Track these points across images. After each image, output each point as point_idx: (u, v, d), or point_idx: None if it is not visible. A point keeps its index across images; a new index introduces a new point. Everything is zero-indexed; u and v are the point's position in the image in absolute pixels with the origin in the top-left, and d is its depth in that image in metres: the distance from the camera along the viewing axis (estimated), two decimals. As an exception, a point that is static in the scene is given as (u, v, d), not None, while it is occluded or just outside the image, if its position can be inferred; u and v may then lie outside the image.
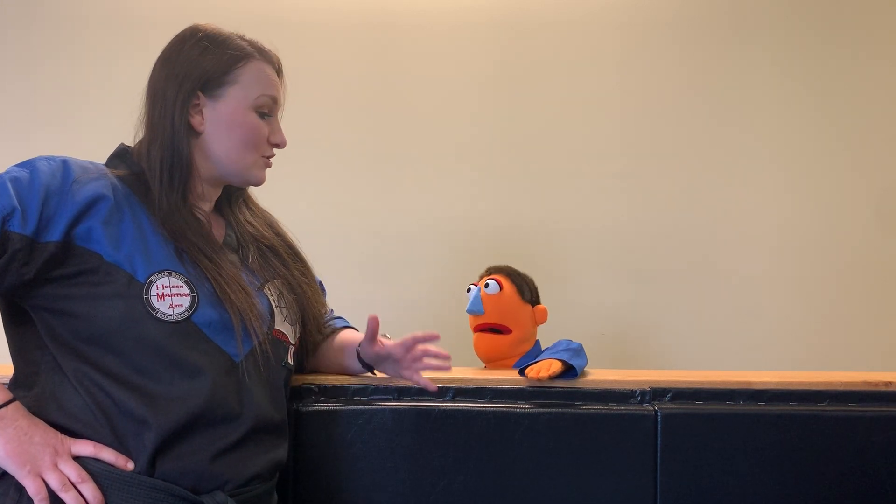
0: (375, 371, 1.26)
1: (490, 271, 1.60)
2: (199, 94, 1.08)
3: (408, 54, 2.17)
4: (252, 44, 1.13)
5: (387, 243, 2.14)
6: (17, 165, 1.00)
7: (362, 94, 2.16)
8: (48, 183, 0.98)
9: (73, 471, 0.95)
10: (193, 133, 1.09)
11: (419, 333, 1.14)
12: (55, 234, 0.97)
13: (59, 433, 0.97)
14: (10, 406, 0.95)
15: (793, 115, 2.14)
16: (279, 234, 1.24)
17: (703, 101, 2.16)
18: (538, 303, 1.59)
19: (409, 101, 2.17)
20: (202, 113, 1.09)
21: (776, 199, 2.14)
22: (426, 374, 1.19)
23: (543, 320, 1.58)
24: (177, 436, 0.99)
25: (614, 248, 2.13)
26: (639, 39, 2.16)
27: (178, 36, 1.12)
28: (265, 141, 1.13)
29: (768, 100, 2.15)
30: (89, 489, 0.95)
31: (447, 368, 1.17)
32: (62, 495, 0.94)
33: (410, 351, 1.16)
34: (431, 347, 1.16)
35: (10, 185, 0.96)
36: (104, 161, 1.11)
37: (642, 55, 2.16)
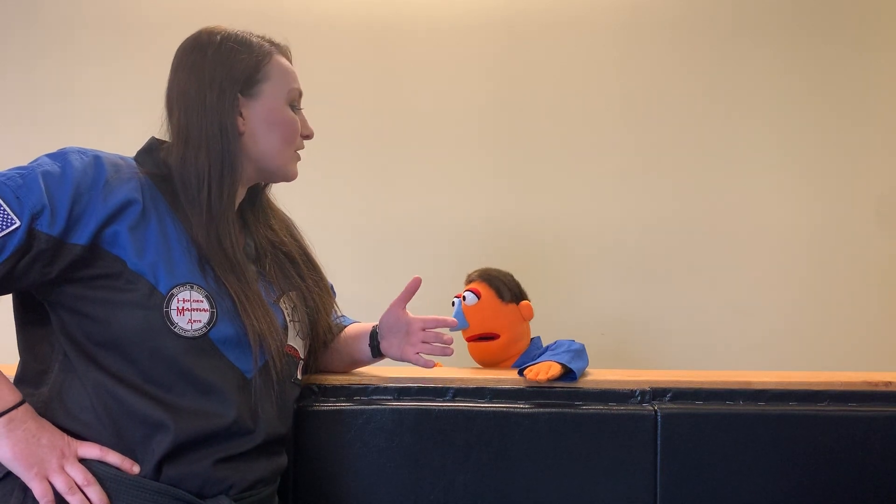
0: (381, 348, 1.27)
1: (469, 278, 1.58)
2: (238, 95, 1.07)
3: (408, 55, 2.17)
4: (265, 39, 1.13)
5: (387, 243, 2.14)
6: (49, 157, 0.98)
7: (362, 95, 2.16)
8: (79, 181, 0.96)
9: (79, 473, 0.95)
10: (238, 135, 1.07)
11: (444, 317, 1.21)
12: (83, 238, 0.95)
13: (66, 435, 0.97)
14: (21, 408, 0.95)
15: (794, 115, 2.14)
16: (296, 240, 1.24)
17: (702, 101, 2.16)
18: (523, 299, 1.57)
19: (409, 102, 2.17)
20: (242, 114, 1.07)
21: (777, 199, 2.14)
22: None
23: (530, 315, 1.56)
24: (190, 444, 0.99)
25: (614, 248, 2.13)
26: (639, 39, 2.17)
27: (193, 42, 1.09)
28: (297, 134, 1.13)
29: (769, 100, 2.15)
30: (95, 492, 0.95)
31: (448, 353, 1.21)
32: (68, 498, 0.94)
33: (425, 329, 1.20)
34: (443, 333, 1.20)
35: (41, 180, 0.94)
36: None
37: (642, 55, 2.17)
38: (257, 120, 1.08)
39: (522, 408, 1.26)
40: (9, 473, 0.96)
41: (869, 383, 1.31)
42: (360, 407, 1.25)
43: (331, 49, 2.15)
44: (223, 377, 1.01)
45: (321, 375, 1.29)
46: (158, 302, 0.97)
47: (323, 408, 1.25)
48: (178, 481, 0.98)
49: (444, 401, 1.27)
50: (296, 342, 1.14)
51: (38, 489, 0.93)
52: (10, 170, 0.96)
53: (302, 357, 1.16)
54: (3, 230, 0.91)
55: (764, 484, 1.25)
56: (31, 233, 0.92)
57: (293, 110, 1.13)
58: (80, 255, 0.95)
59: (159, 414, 0.97)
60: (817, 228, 2.13)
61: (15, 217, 0.92)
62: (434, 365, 1.21)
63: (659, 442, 1.25)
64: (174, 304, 0.98)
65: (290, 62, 1.15)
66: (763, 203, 2.13)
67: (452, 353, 1.20)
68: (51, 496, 0.94)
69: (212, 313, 1.00)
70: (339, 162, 2.12)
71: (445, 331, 1.23)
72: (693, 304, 2.12)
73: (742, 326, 2.11)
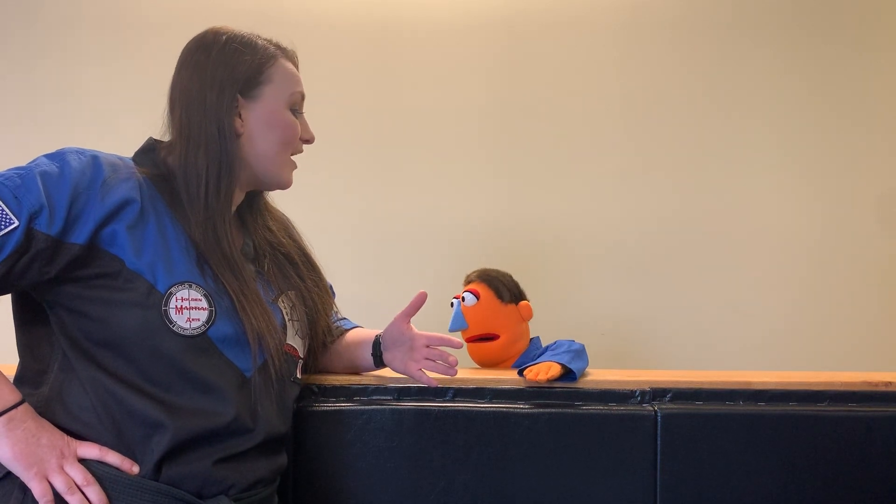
0: (384, 359, 1.25)
1: (468, 279, 1.58)
2: (238, 96, 1.07)
3: (409, 55, 2.17)
4: (272, 42, 1.13)
5: (388, 243, 2.14)
6: (47, 157, 0.98)
7: (363, 95, 2.16)
8: (77, 181, 0.96)
9: (78, 473, 0.95)
10: (235, 136, 1.07)
11: (448, 336, 1.18)
12: (81, 237, 0.95)
13: (65, 435, 0.97)
14: (20, 407, 0.95)
15: (794, 115, 2.14)
16: (295, 241, 1.24)
17: (703, 101, 2.16)
18: (522, 299, 1.57)
19: (409, 102, 2.17)
20: (241, 115, 1.08)
21: (776, 199, 2.14)
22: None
23: (529, 316, 1.56)
24: (189, 443, 0.99)
25: (614, 248, 2.13)
26: (639, 39, 2.16)
27: (199, 41, 1.10)
28: (298, 138, 1.13)
29: (769, 100, 2.15)
30: (94, 492, 0.95)
31: (452, 374, 1.18)
32: (67, 498, 0.94)
33: (429, 346, 1.17)
34: (448, 353, 1.17)
35: (39, 180, 0.94)
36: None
37: (643, 55, 2.16)
38: (257, 122, 1.08)
39: (522, 408, 1.26)
40: (8, 473, 0.96)
41: (869, 383, 1.31)
42: (360, 407, 1.25)
43: (331, 49, 2.15)
44: (222, 376, 1.01)
45: (321, 375, 1.29)
46: (157, 301, 0.97)
47: (323, 408, 1.25)
48: (177, 481, 0.98)
49: (444, 401, 1.27)
50: (295, 341, 1.14)
51: (37, 489, 0.93)
52: (8, 170, 0.96)
53: (301, 356, 1.16)
54: (1, 230, 0.91)
55: (764, 484, 1.25)
56: (29, 233, 0.92)
57: (294, 114, 1.13)
58: (78, 254, 0.95)
59: (157, 414, 0.97)
60: (817, 228, 2.12)
61: (13, 217, 0.92)
62: (436, 384, 1.19)
63: (659, 442, 1.25)
64: (172, 303, 0.98)
65: (297, 66, 1.15)
66: (763, 203, 2.13)
67: (456, 373, 1.18)
68: (50, 496, 0.94)
69: (210, 312, 1.00)
70: (338, 162, 2.12)
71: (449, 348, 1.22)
72: (693, 304, 2.12)
73: (742, 326, 2.11)
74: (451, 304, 1.55)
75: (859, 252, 2.11)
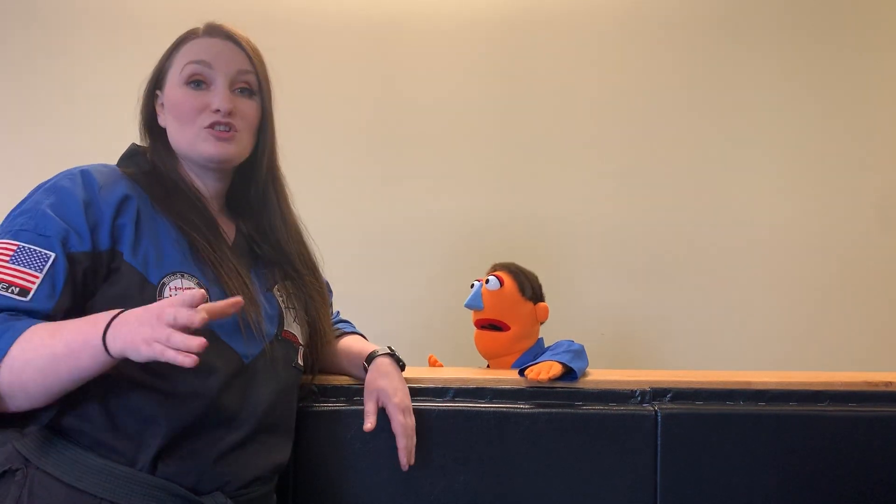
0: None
1: (494, 268, 1.60)
2: (156, 91, 1.12)
3: (408, 54, 2.17)
4: (203, 24, 1.13)
5: (388, 242, 2.14)
6: (42, 193, 1.00)
7: (363, 93, 2.16)
8: (80, 196, 1.00)
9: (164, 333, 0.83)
10: (162, 129, 1.12)
11: (408, 452, 1.17)
12: (105, 243, 0.99)
13: (150, 308, 0.86)
14: (120, 316, 0.88)
15: (793, 115, 2.15)
16: (290, 235, 1.24)
17: (703, 100, 2.16)
18: (541, 300, 1.58)
19: (408, 102, 2.17)
20: (164, 105, 1.12)
21: (777, 199, 2.14)
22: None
23: (545, 318, 1.57)
24: (183, 435, 0.99)
25: (614, 248, 2.13)
26: (639, 38, 2.17)
27: None
28: (197, 111, 1.08)
29: (768, 99, 2.15)
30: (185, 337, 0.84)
31: (402, 464, 1.18)
32: (168, 345, 0.82)
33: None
34: (407, 454, 1.17)
35: (50, 212, 0.97)
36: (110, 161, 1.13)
37: (642, 54, 2.17)
38: (165, 109, 1.12)
39: (522, 408, 1.26)
40: (6, 472, 0.96)
41: (869, 383, 1.31)
42: (360, 407, 1.25)
43: (331, 48, 2.15)
44: (221, 361, 1.02)
45: (321, 375, 1.29)
46: (150, 292, 0.99)
47: (323, 408, 1.25)
48: (174, 476, 0.98)
49: (444, 401, 1.27)
50: (293, 328, 1.15)
51: (146, 353, 0.84)
52: (13, 220, 0.98)
53: (302, 343, 1.17)
54: (43, 267, 0.94)
55: (764, 484, 1.25)
56: (69, 257, 0.96)
57: (198, 87, 1.08)
58: (110, 258, 0.99)
59: (152, 407, 0.98)
60: (817, 228, 2.13)
61: (48, 252, 0.95)
62: (406, 467, 1.18)
63: (659, 442, 1.25)
64: (166, 293, 1.00)
65: (222, 35, 1.11)
66: (763, 203, 2.13)
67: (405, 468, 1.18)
68: (160, 348, 0.82)
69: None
70: (338, 162, 2.12)
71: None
72: (693, 304, 2.12)
73: (742, 326, 2.11)
74: (472, 286, 1.56)
75: (859, 252, 2.12)
